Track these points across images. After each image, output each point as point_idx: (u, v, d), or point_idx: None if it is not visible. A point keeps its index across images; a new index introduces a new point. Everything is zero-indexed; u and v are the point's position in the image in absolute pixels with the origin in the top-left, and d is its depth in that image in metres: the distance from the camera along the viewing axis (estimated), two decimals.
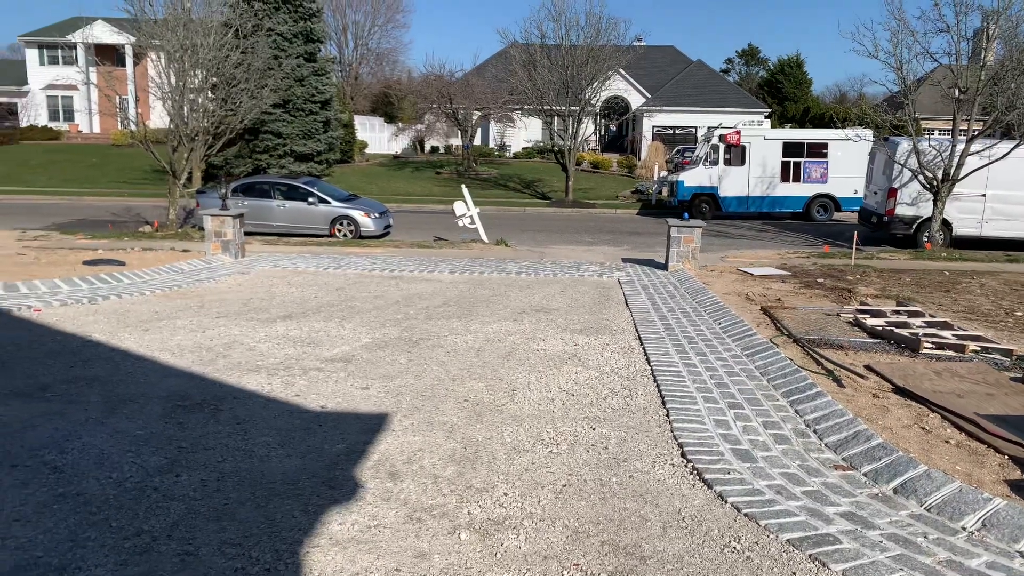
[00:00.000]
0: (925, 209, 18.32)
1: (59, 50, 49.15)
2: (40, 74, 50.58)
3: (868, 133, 21.97)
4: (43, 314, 9.40)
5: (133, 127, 20.72)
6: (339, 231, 18.81)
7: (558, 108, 30.71)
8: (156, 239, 16.85)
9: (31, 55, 51.07)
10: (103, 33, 45.03)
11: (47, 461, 5.10)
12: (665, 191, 28.20)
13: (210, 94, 20.10)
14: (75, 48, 47.82)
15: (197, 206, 19.34)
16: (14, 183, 32.07)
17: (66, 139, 47.64)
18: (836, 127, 25.07)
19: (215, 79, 20.01)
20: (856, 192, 23.90)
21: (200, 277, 12.34)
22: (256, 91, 20.85)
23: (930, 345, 8.19)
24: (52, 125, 49.65)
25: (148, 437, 5.56)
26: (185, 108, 18.57)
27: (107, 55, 44.18)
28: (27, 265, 12.84)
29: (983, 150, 17.28)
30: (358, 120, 46.83)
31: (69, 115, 51.13)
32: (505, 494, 4.81)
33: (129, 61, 47.06)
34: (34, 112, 50.22)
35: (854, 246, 15.32)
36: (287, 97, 29.48)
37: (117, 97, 24.87)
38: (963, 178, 17.50)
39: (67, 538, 4.13)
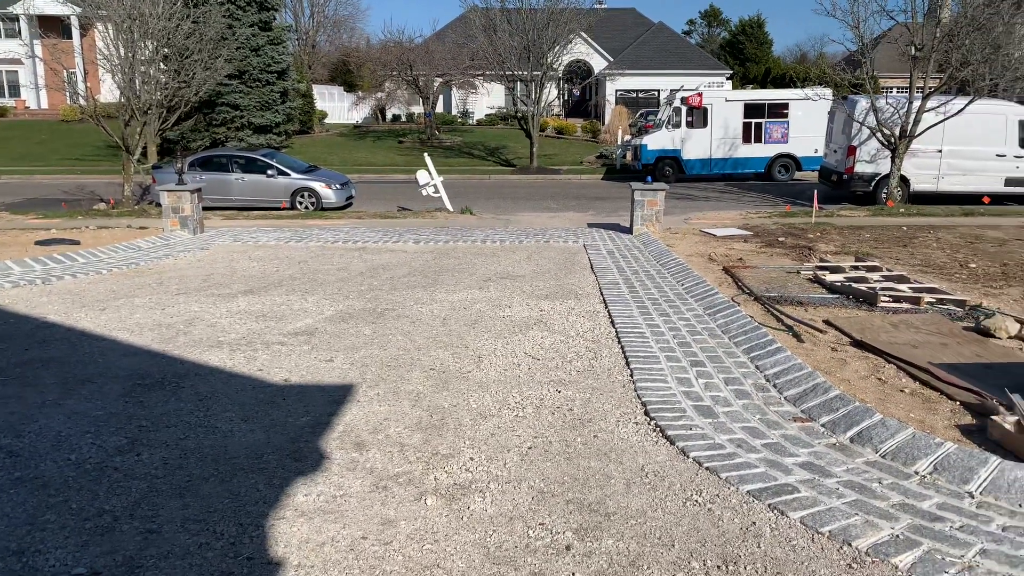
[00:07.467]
0: (884, 166, 18.52)
1: (0, 23, 47.36)
2: None
3: (828, 92, 22.09)
4: None
5: (83, 102, 20.07)
6: (300, 203, 18.55)
7: (520, 73, 30.42)
8: (112, 217, 16.47)
9: None
10: (46, 4, 43.36)
11: (2, 446, 5.00)
12: (629, 155, 28.21)
13: (162, 66, 19.55)
14: (17, 20, 46.14)
15: (153, 182, 18.87)
16: None
17: (12, 116, 46.17)
18: (797, 87, 25.17)
19: (166, 50, 19.45)
20: (816, 151, 24.06)
21: (158, 254, 12.10)
22: (210, 62, 20.34)
23: (887, 298, 8.35)
24: None
25: (107, 417, 5.48)
26: (136, 81, 18.07)
27: (52, 27, 42.69)
28: None
29: (939, 107, 17.48)
30: (317, 90, 46.00)
31: (15, 91, 49.49)
32: (471, 459, 4.84)
33: (75, 33, 45.53)
34: None
35: (815, 204, 15.50)
36: (242, 68, 28.77)
37: (64, 71, 24.10)
38: (920, 134, 17.70)
39: (25, 522, 4.07)
